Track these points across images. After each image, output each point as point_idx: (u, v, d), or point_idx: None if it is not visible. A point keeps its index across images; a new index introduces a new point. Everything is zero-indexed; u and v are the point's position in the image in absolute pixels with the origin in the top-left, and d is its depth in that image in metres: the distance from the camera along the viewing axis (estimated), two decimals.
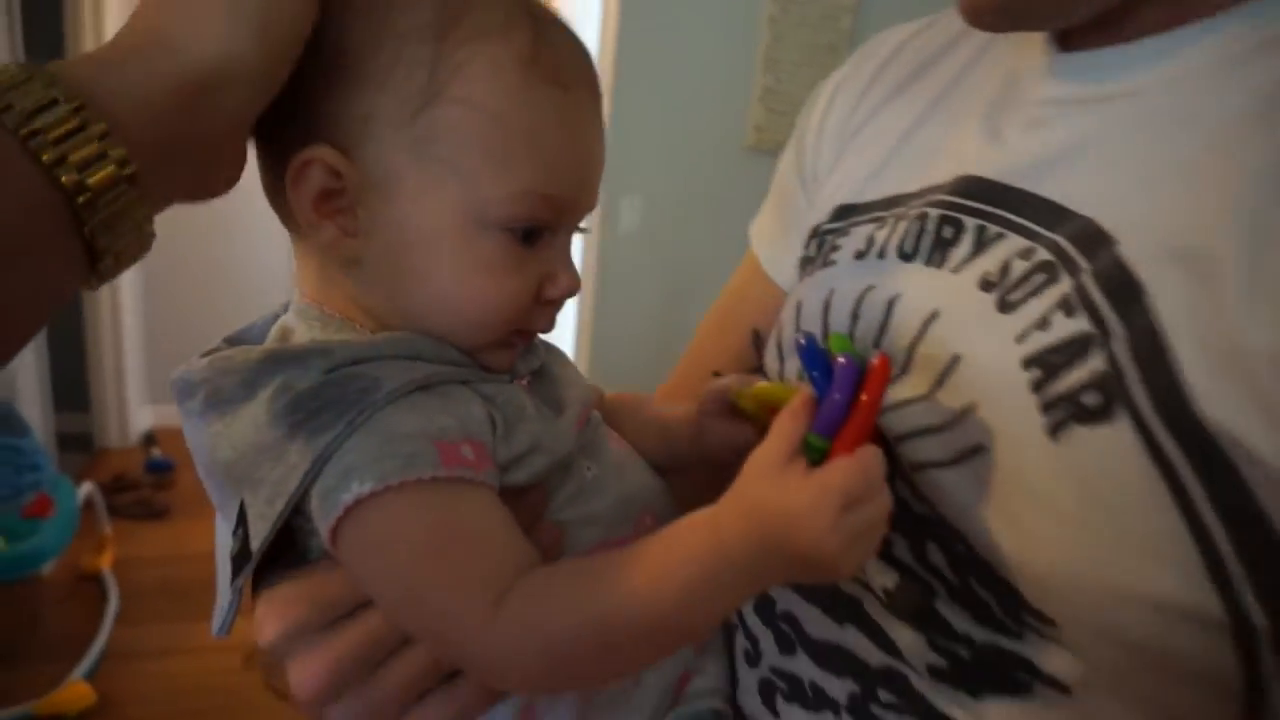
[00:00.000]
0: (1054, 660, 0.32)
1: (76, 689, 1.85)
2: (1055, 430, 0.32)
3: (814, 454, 0.32)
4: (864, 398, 0.32)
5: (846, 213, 0.48)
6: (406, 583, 0.35)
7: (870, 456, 0.31)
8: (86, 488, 2.51)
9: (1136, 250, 0.32)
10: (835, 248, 0.46)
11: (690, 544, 0.33)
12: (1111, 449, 0.30)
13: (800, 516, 0.30)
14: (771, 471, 0.32)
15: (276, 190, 0.40)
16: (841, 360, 0.32)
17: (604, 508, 0.41)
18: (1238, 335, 0.28)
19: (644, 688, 0.41)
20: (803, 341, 0.35)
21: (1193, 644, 0.30)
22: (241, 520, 0.36)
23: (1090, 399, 0.31)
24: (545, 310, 0.41)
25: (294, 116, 0.38)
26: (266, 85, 0.34)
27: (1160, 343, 0.30)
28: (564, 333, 3.52)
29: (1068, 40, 0.40)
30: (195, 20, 0.33)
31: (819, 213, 0.52)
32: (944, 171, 0.42)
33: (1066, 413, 0.32)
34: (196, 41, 0.32)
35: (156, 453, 3.15)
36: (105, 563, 2.40)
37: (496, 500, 0.36)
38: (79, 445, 3.13)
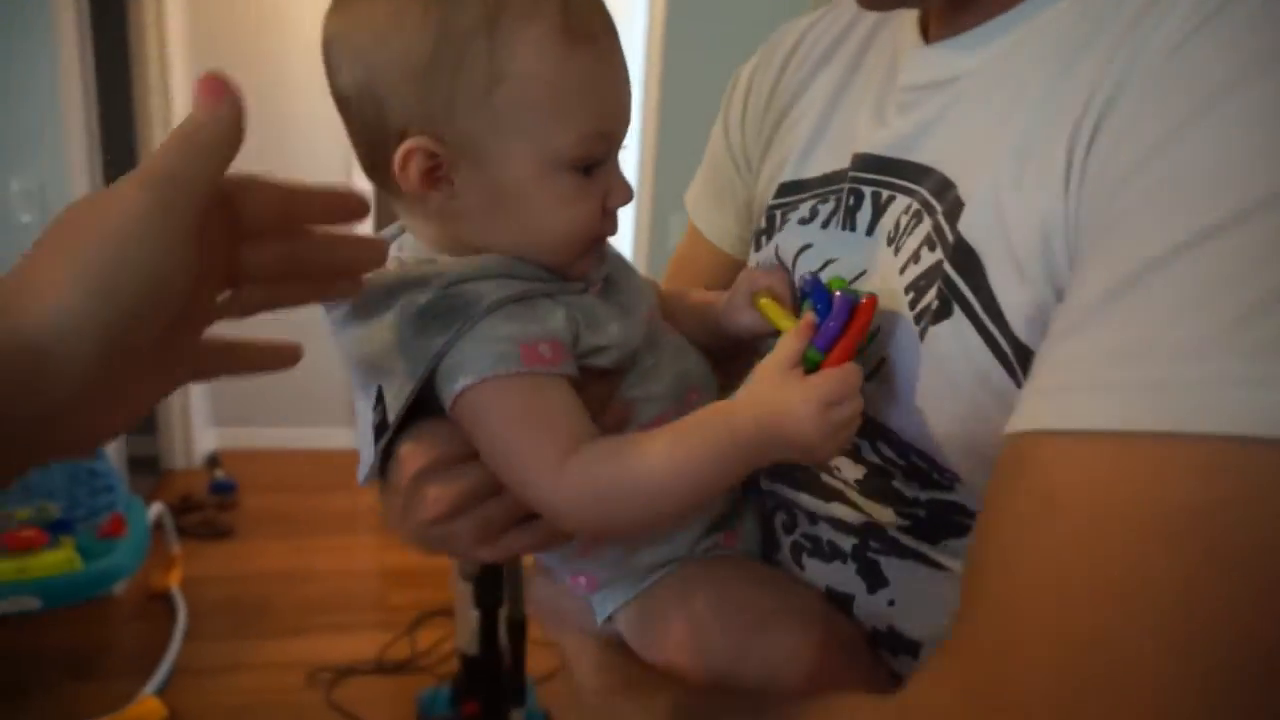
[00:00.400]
0: (974, 499, 0.41)
1: (148, 704, 1.90)
2: (922, 334, 0.42)
3: (810, 365, 0.42)
4: (852, 325, 0.42)
5: (791, 189, 0.57)
6: (498, 447, 0.45)
7: (851, 370, 0.41)
8: (156, 508, 2.59)
9: (966, 188, 0.41)
10: (785, 219, 0.56)
11: (709, 426, 0.43)
12: (955, 336, 0.40)
13: (792, 411, 0.40)
14: (775, 375, 0.42)
15: (380, 174, 0.48)
16: (839, 295, 0.43)
17: (661, 389, 0.50)
18: (1013, 235, 0.38)
19: (679, 538, 0.51)
20: (808, 277, 0.47)
21: None
22: (379, 399, 0.47)
23: (938, 300, 0.41)
24: (610, 219, 0.50)
25: (384, 115, 0.45)
26: (120, 349, 0.31)
27: (973, 252, 0.40)
28: None
29: (928, 33, 0.49)
30: (31, 279, 0.31)
31: (764, 190, 0.60)
32: (856, 142, 0.52)
33: (930, 314, 0.41)
34: (34, 302, 0.30)
35: (220, 474, 3.24)
36: (174, 581, 2.47)
37: (567, 387, 0.45)
38: (146, 467, 3.23)
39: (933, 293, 0.41)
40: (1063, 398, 0.32)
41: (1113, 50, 0.36)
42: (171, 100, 3.11)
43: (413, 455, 0.48)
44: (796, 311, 0.49)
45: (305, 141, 3.52)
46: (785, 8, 2.58)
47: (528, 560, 0.59)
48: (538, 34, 0.44)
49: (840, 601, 0.49)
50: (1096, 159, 0.35)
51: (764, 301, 0.50)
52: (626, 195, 0.49)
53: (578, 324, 0.47)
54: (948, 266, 0.41)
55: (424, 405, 0.47)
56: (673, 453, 0.42)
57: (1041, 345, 0.35)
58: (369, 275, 0.47)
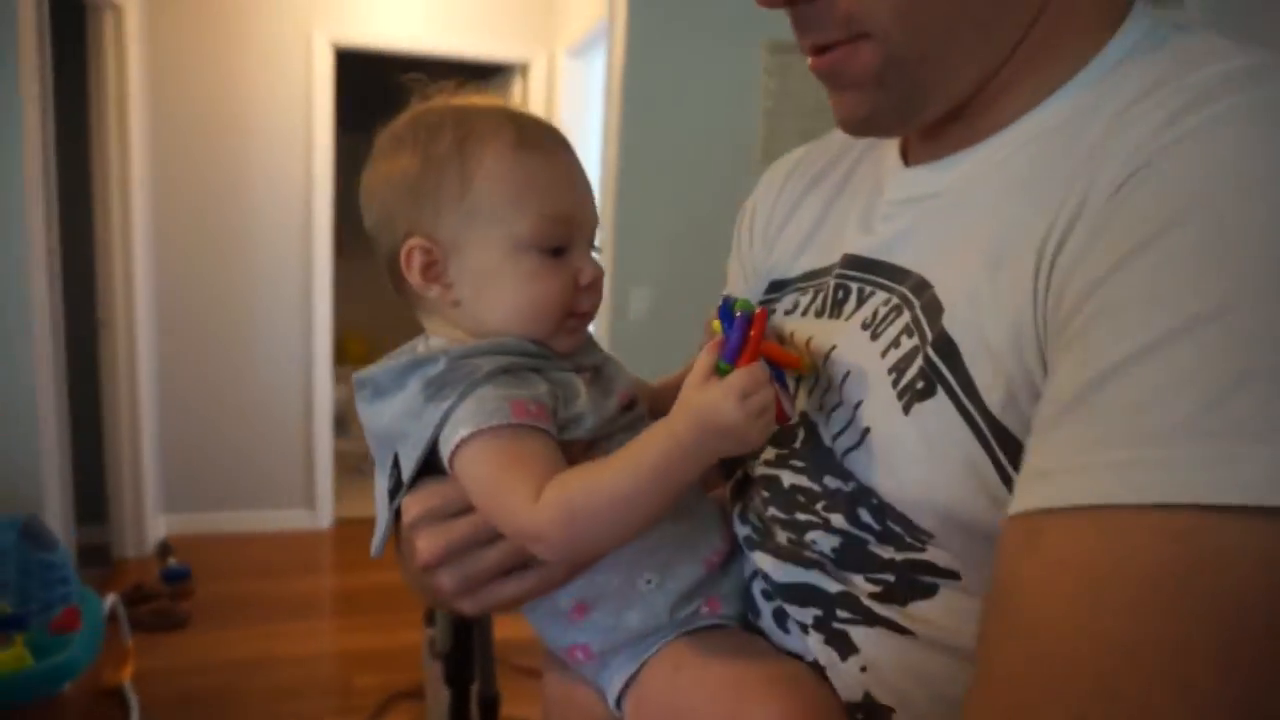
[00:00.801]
0: (942, 557, 0.46)
1: None
2: (907, 409, 0.47)
3: (723, 372, 0.49)
4: (752, 334, 0.49)
5: (778, 286, 0.65)
6: (487, 486, 0.52)
7: (755, 368, 0.48)
8: (110, 599, 2.50)
9: (942, 289, 0.48)
10: (772, 310, 0.63)
11: (656, 437, 0.49)
12: (934, 410, 0.45)
13: (717, 405, 0.47)
14: (696, 384, 0.49)
15: (399, 282, 0.59)
16: (737, 314, 0.50)
17: None
18: (988, 331, 0.44)
19: (657, 610, 0.55)
20: (720, 304, 0.53)
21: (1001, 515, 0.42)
22: (395, 465, 0.56)
23: (920, 384, 0.46)
24: (586, 295, 0.59)
25: (394, 231, 0.58)
26: None
27: (952, 343, 0.45)
28: None
29: (908, 157, 0.57)
30: None
31: (761, 286, 0.68)
32: (837, 252, 0.58)
33: (910, 396, 0.47)
34: None
35: (173, 561, 3.14)
36: (126, 676, 2.37)
37: (548, 440, 0.53)
38: (97, 557, 3.13)
39: (915, 374, 0.47)
40: (1052, 480, 0.37)
41: (1068, 186, 0.42)
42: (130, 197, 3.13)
43: (411, 505, 0.55)
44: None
45: (265, 231, 3.55)
46: (730, 103, 2.71)
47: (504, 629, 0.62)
48: (496, 148, 0.57)
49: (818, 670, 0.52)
50: (1057, 282, 0.41)
51: (714, 324, 0.56)
52: (595, 273, 0.58)
53: (557, 397, 0.55)
54: (930, 353, 0.46)
55: (431, 470, 0.55)
56: (630, 464, 0.49)
57: (1029, 439, 0.40)
58: (388, 357, 0.57)
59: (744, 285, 0.72)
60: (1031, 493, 0.38)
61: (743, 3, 2.39)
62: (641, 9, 2.61)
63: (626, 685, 0.56)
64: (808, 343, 0.56)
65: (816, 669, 0.51)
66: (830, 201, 0.64)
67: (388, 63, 3.81)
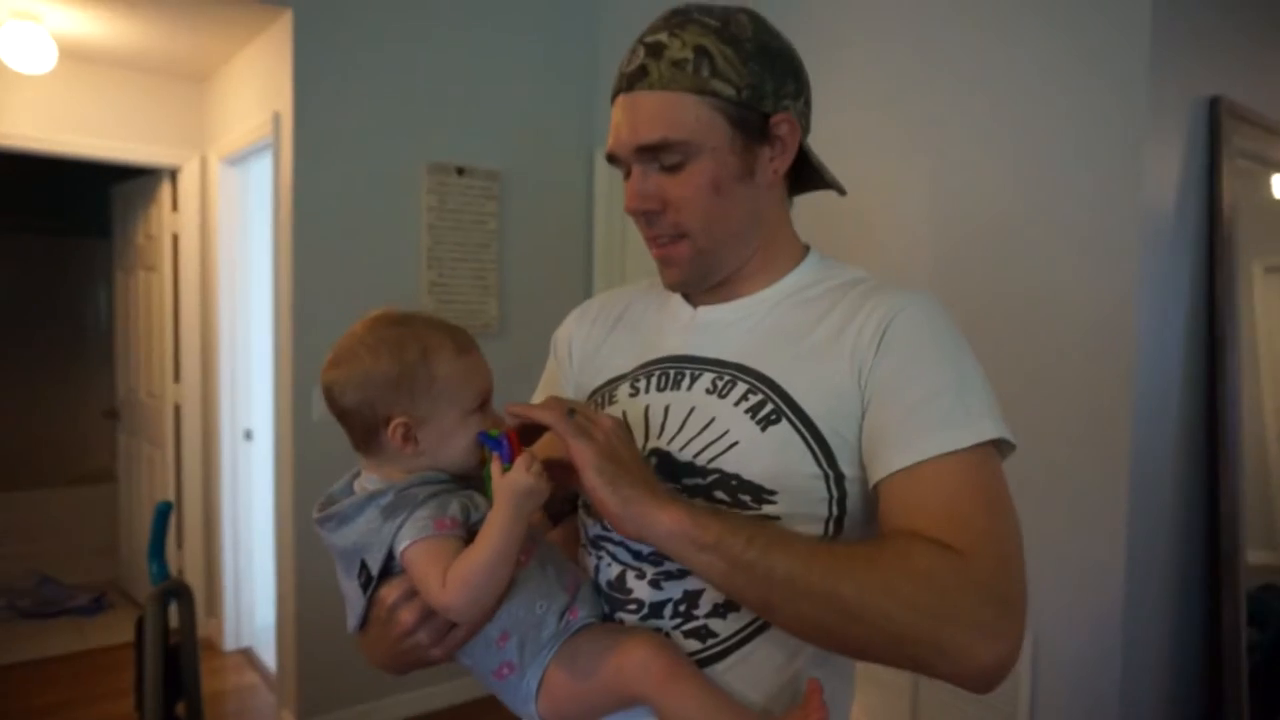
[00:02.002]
0: (772, 509, 0.78)
1: None
2: (763, 429, 0.80)
3: (506, 469, 0.77)
4: (513, 443, 0.78)
5: (613, 381, 0.94)
6: (418, 577, 0.77)
7: (525, 456, 0.77)
8: None
9: (763, 367, 0.83)
10: (614, 395, 0.91)
11: (494, 518, 0.76)
12: (783, 430, 0.79)
13: (516, 482, 0.75)
14: (499, 479, 0.76)
15: (369, 445, 0.84)
16: (497, 435, 0.79)
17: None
18: (813, 386, 0.81)
19: (549, 625, 0.81)
20: (479, 436, 0.82)
21: (819, 488, 0.79)
22: (364, 568, 0.80)
23: (773, 416, 0.80)
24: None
25: (375, 412, 0.82)
26: None
27: (788, 395, 0.81)
28: (267, 512, 3.51)
29: (694, 303, 0.93)
30: None
31: (591, 385, 0.97)
32: (655, 354, 0.92)
33: (765, 422, 0.80)
34: None
35: None
36: None
37: (459, 541, 0.78)
38: None
39: (767, 411, 0.80)
40: (911, 452, 0.74)
41: (831, 319, 0.83)
42: None
43: (389, 593, 0.80)
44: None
45: None
46: (397, 214, 2.96)
47: None
48: (446, 354, 0.83)
49: (697, 595, 0.80)
50: (877, 369, 0.78)
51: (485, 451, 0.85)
52: (498, 422, 0.84)
53: (468, 508, 0.81)
54: (774, 398, 0.81)
55: (387, 569, 0.80)
56: (486, 540, 0.75)
57: (875, 435, 0.77)
58: (346, 499, 0.82)
59: (563, 386, 1.02)
60: (906, 456, 0.74)
61: (405, 126, 2.82)
62: (307, 128, 2.80)
63: (539, 686, 0.80)
64: (646, 409, 0.88)
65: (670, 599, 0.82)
66: (634, 330, 0.97)
67: (12, 159, 3.54)
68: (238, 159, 3.46)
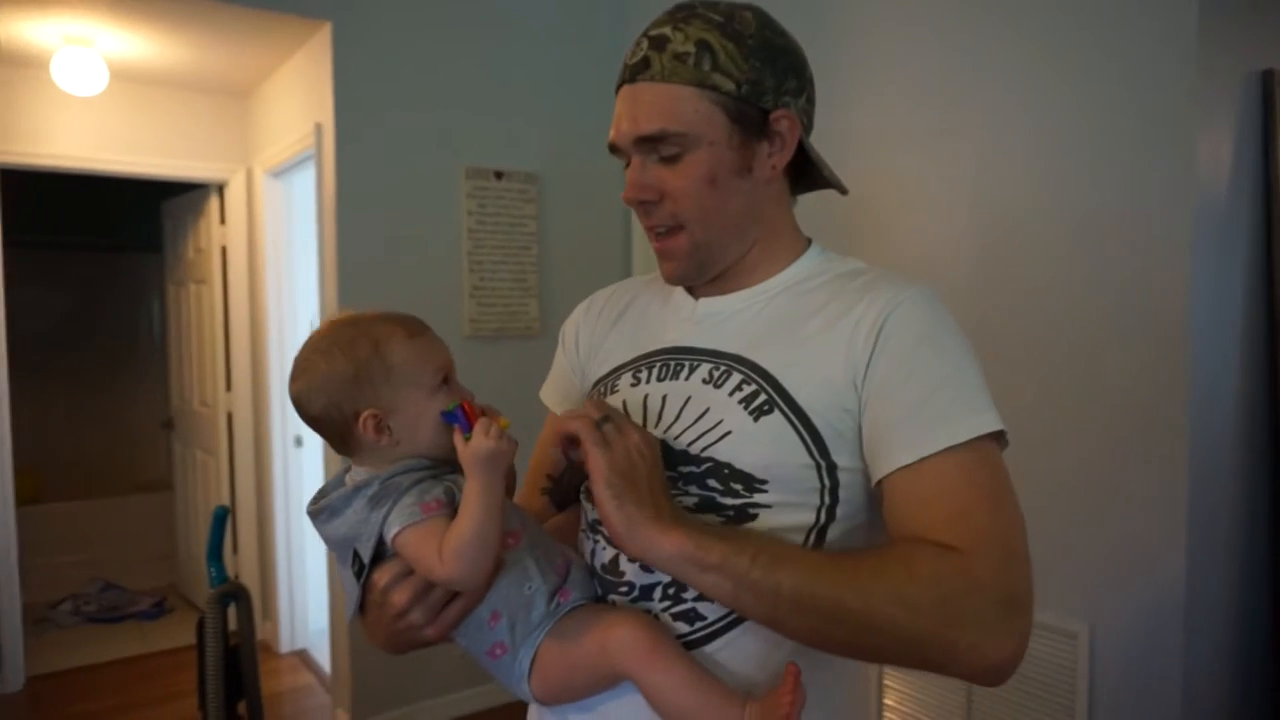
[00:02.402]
0: (765, 497, 0.80)
1: None
2: (756, 419, 0.81)
3: (468, 438, 0.80)
4: (470, 414, 0.81)
5: (617, 370, 0.96)
6: (416, 558, 0.79)
7: (482, 421, 0.79)
8: None
9: (758, 358, 0.84)
10: (616, 384, 0.93)
11: (468, 489, 0.78)
12: (776, 421, 0.80)
13: (479, 447, 0.78)
14: (463, 449, 0.79)
15: (348, 445, 0.87)
16: (453, 409, 0.82)
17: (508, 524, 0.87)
18: (807, 379, 0.81)
19: (539, 606, 0.83)
20: (441, 414, 0.83)
21: (810, 478, 0.79)
22: (356, 557, 0.82)
23: (766, 407, 0.81)
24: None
25: (343, 411, 0.84)
26: None
27: (782, 386, 0.81)
28: None
29: (696, 295, 0.94)
30: None
31: (597, 373, 0.99)
32: (658, 344, 0.93)
33: (759, 413, 0.81)
34: None
35: None
36: None
37: (447, 520, 0.79)
38: None
39: (761, 401, 0.81)
40: (915, 448, 0.75)
41: (845, 310, 0.83)
42: None
43: (381, 577, 0.82)
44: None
45: None
46: (437, 219, 2.99)
47: None
48: (397, 341, 0.85)
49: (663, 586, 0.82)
50: (875, 368, 0.78)
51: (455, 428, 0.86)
52: (468, 394, 0.87)
53: (452, 490, 0.82)
54: (767, 389, 0.81)
55: (379, 555, 0.83)
56: (466, 510, 0.78)
57: (877, 433, 0.77)
58: (334, 492, 0.84)
59: (570, 375, 1.05)
60: (910, 453, 0.75)
61: (443, 132, 2.86)
62: (348, 138, 2.86)
63: (531, 666, 0.82)
64: (645, 398, 0.90)
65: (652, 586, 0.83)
66: (639, 320, 0.99)
67: (55, 176, 3.66)
68: (281, 171, 3.54)
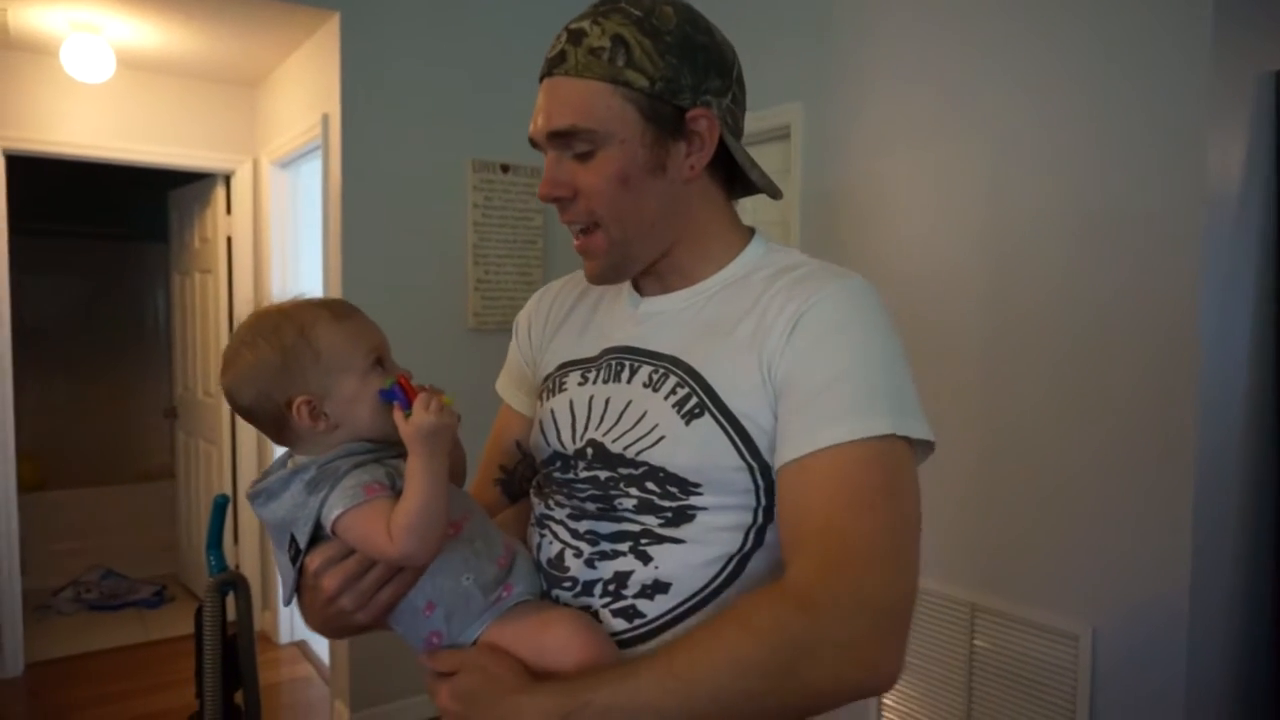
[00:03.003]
0: (700, 500, 0.80)
1: None
2: (688, 422, 0.80)
3: (408, 416, 0.78)
4: (409, 391, 0.79)
5: (565, 366, 0.95)
6: (362, 541, 0.77)
7: (421, 397, 0.78)
8: None
9: (692, 360, 0.83)
10: (564, 383, 0.93)
11: (412, 463, 0.77)
12: (706, 424, 0.79)
13: (419, 422, 0.77)
14: (403, 425, 0.78)
15: (285, 434, 0.85)
16: (391, 387, 0.81)
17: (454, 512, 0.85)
18: (733, 380, 0.80)
19: (476, 598, 0.81)
20: (379, 393, 0.82)
21: (743, 480, 0.79)
22: (293, 541, 0.81)
23: (697, 410, 0.80)
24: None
25: (274, 401, 0.83)
26: None
27: (711, 388, 0.81)
28: None
29: (641, 292, 0.93)
30: None
31: (547, 368, 0.98)
32: (605, 343, 0.92)
33: (690, 416, 0.80)
34: None
35: None
36: None
37: (389, 500, 0.78)
38: None
39: (692, 405, 0.80)
40: (804, 443, 0.73)
41: (749, 314, 0.82)
42: None
43: (312, 561, 0.80)
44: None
45: None
46: (442, 211, 2.99)
47: None
48: (324, 325, 0.84)
49: (626, 575, 0.82)
50: (782, 361, 0.77)
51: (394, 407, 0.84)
52: (404, 373, 0.84)
53: (393, 474, 0.81)
54: (699, 392, 0.81)
55: (315, 539, 0.81)
56: (411, 484, 0.76)
57: (778, 426, 0.76)
58: (274, 474, 0.82)
59: (523, 366, 1.05)
60: (796, 449, 0.74)
61: (449, 125, 2.85)
62: (355, 129, 2.85)
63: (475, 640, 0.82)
64: (590, 399, 0.89)
65: (622, 575, 0.82)
66: (589, 316, 0.98)
67: (63, 164, 3.66)
68: (288, 161, 3.53)
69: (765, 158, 2.71)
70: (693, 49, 0.82)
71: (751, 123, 2.76)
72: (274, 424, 0.84)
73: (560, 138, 0.82)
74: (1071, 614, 1.88)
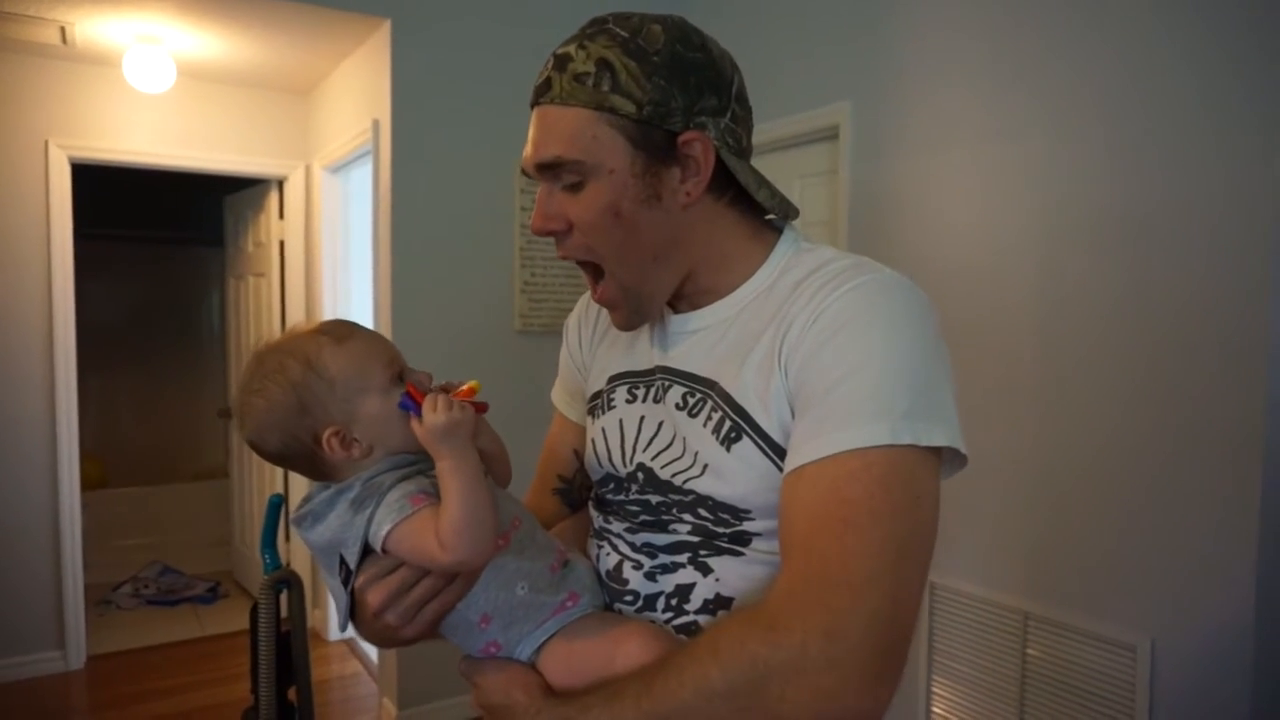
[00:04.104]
0: (752, 525, 0.77)
1: None
2: (728, 448, 0.78)
3: (423, 420, 0.76)
4: (416, 399, 0.77)
5: (614, 379, 0.94)
6: (414, 553, 0.75)
7: (430, 398, 0.76)
8: None
9: (724, 381, 0.80)
10: (612, 399, 0.92)
11: (440, 468, 0.75)
12: (746, 448, 0.77)
13: (435, 422, 0.75)
14: (419, 429, 0.76)
15: (322, 470, 0.82)
16: (404, 395, 0.78)
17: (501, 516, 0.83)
18: (762, 398, 0.76)
19: (533, 605, 0.81)
20: (399, 401, 0.80)
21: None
22: (342, 562, 0.79)
23: (733, 434, 0.78)
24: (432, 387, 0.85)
25: (301, 441, 0.81)
26: None
27: (743, 410, 0.77)
28: None
29: (676, 309, 0.89)
30: None
31: (597, 382, 0.96)
32: (648, 361, 0.90)
33: (728, 441, 0.78)
34: None
35: None
36: None
37: (435, 510, 0.75)
38: None
39: (728, 429, 0.78)
40: (803, 452, 0.69)
41: (772, 324, 0.78)
42: None
43: (363, 578, 0.79)
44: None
45: (3, 349, 3.34)
46: (489, 215, 3.02)
47: None
48: (328, 351, 0.81)
49: (688, 589, 0.80)
50: (789, 369, 0.74)
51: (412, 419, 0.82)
52: (425, 379, 0.84)
53: (434, 484, 0.78)
54: (735, 417, 0.78)
55: (366, 555, 0.79)
56: (446, 491, 0.75)
57: (791, 432, 0.73)
58: (316, 497, 0.81)
59: (575, 373, 1.03)
60: (795, 457, 0.71)
61: (497, 127, 2.88)
62: (405, 134, 2.90)
63: (537, 649, 0.81)
64: (641, 420, 0.88)
65: (685, 587, 0.81)
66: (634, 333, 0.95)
67: (123, 171, 3.77)
68: (339, 167, 3.60)
69: (812, 158, 2.69)
70: (684, 68, 0.78)
71: (798, 124, 2.77)
72: (308, 463, 0.82)
73: (548, 169, 0.79)
74: (1129, 624, 1.83)
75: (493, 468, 0.84)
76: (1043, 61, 2.01)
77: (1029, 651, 2.02)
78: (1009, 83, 2.08)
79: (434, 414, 0.75)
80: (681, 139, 0.78)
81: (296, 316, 3.94)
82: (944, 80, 2.23)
